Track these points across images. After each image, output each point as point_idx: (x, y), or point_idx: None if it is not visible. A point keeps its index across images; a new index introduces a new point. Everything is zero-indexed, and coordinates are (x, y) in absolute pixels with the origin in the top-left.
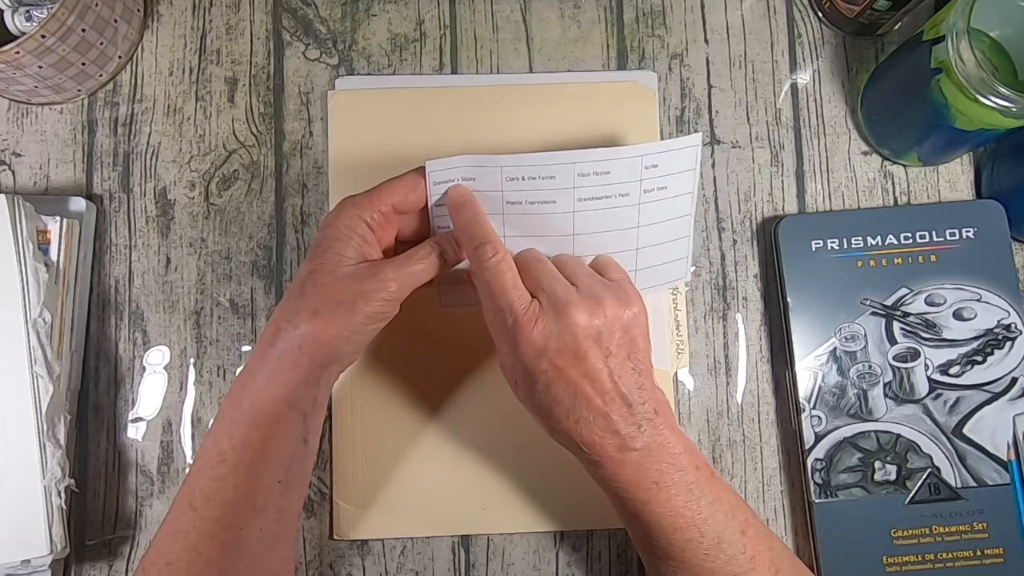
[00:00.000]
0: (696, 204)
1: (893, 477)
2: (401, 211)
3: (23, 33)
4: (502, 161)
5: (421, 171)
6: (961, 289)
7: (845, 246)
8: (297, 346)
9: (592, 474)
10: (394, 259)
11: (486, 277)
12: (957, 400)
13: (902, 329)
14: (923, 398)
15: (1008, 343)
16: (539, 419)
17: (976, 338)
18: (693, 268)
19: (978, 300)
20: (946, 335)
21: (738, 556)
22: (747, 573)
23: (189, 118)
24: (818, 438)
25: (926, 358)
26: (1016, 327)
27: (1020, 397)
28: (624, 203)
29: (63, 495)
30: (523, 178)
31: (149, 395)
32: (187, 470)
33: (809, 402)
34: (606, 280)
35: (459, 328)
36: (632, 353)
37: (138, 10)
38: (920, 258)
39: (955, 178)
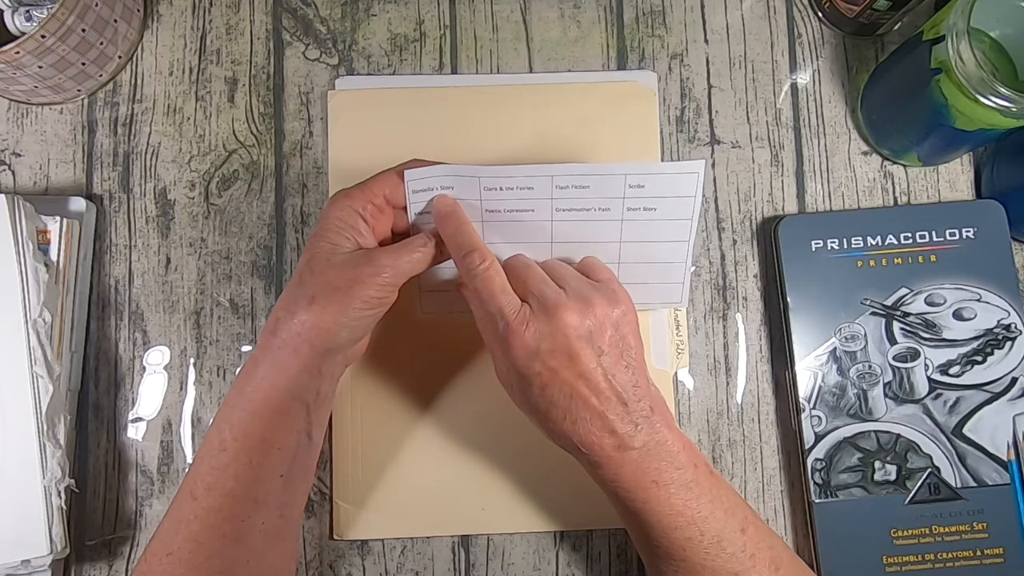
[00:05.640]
0: (695, 232)
1: (893, 477)
2: (393, 203)
3: (23, 33)
4: (480, 172)
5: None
6: (961, 289)
7: (845, 246)
8: (296, 333)
9: (592, 475)
10: (390, 247)
11: (476, 284)
12: (957, 400)
13: (902, 329)
14: (923, 398)
15: (1008, 343)
16: (537, 422)
17: (976, 338)
18: (693, 268)
19: (978, 300)
20: (946, 335)
21: (738, 554)
22: (747, 571)
23: (189, 118)
24: (818, 438)
25: (926, 358)
26: (1016, 327)
27: (1020, 397)
28: (605, 217)
29: (63, 495)
30: (501, 188)
31: (149, 395)
32: (188, 468)
33: (809, 402)
34: (593, 281)
35: (459, 328)
36: (624, 351)
37: (138, 10)
38: (920, 258)
39: (955, 178)
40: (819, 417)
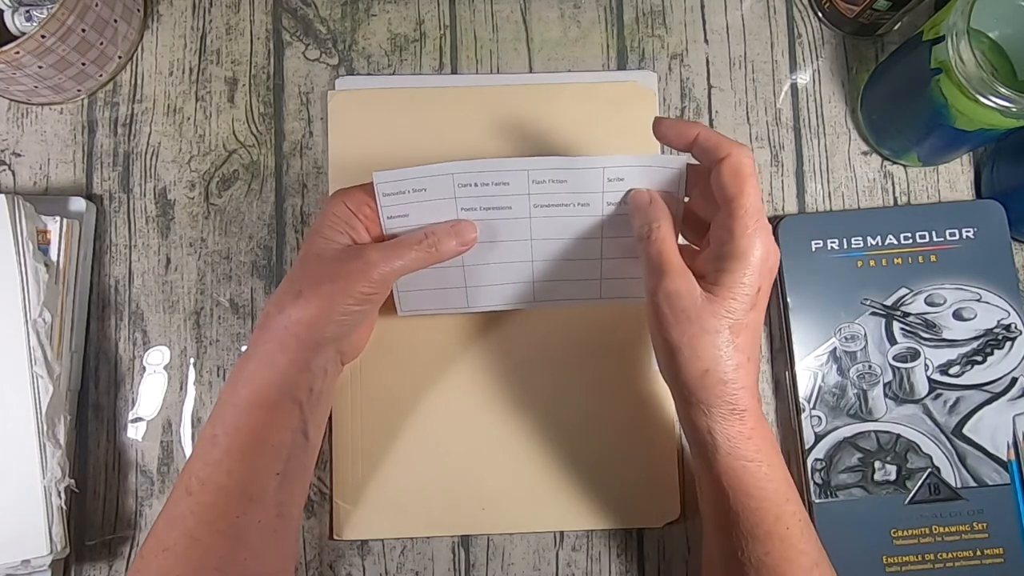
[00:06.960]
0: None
1: (893, 477)
2: None
3: (23, 33)
4: (453, 168)
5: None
6: (961, 289)
7: (845, 246)
8: (283, 328)
9: (717, 432)
10: (383, 243)
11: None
12: (957, 400)
13: (902, 329)
14: (923, 398)
15: (1008, 343)
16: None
17: (976, 338)
18: None
19: (978, 300)
20: (946, 335)
21: (808, 551)
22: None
23: (189, 118)
24: (818, 438)
25: (926, 358)
26: (1016, 327)
27: (1020, 397)
28: (584, 212)
29: (63, 495)
30: (476, 184)
31: (149, 395)
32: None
33: (809, 402)
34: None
35: (459, 328)
36: None
37: (138, 10)
38: (920, 258)
39: (955, 178)
40: (819, 417)
